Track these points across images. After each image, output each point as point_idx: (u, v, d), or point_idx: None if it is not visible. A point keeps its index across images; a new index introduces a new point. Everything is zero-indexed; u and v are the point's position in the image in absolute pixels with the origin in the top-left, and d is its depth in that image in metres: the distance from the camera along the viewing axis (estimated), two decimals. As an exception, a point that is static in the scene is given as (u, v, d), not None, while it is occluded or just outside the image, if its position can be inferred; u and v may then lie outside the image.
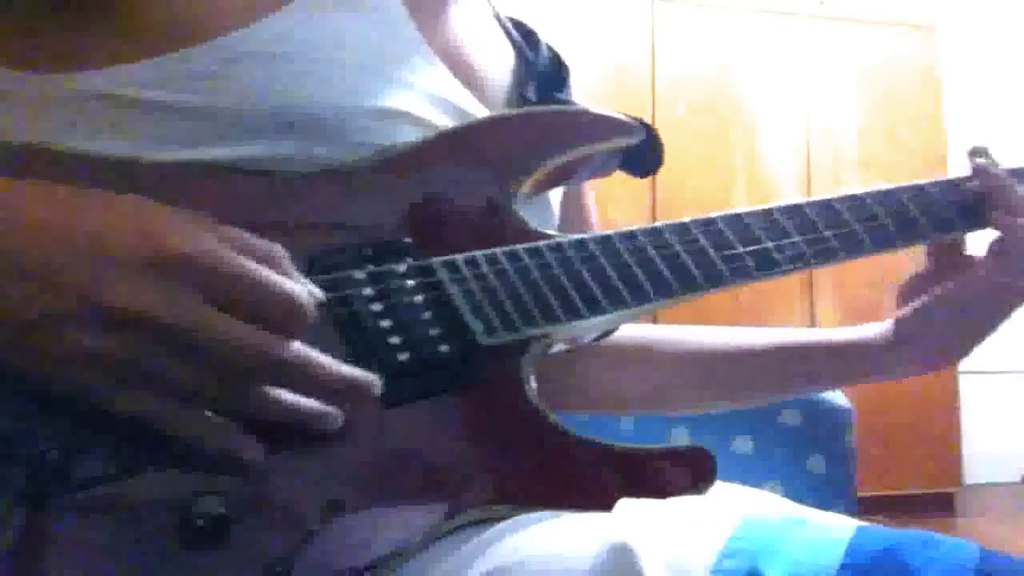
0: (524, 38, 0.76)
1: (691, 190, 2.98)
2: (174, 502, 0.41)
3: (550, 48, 0.77)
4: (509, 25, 0.77)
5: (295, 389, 0.44)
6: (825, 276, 3.01)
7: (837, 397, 1.14)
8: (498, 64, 0.71)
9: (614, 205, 2.51)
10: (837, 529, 0.45)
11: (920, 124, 3.26)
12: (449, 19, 0.67)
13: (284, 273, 0.44)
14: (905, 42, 3.29)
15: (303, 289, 0.44)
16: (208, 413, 0.43)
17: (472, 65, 0.67)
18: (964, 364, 2.97)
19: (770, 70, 3.15)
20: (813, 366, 0.74)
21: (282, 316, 0.42)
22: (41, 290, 0.40)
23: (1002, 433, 3.57)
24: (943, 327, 0.70)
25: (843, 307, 3.06)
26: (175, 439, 0.43)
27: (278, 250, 0.45)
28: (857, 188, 0.69)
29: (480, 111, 0.64)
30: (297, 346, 0.43)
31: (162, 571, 0.41)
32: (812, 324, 3.05)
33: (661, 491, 0.50)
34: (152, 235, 0.41)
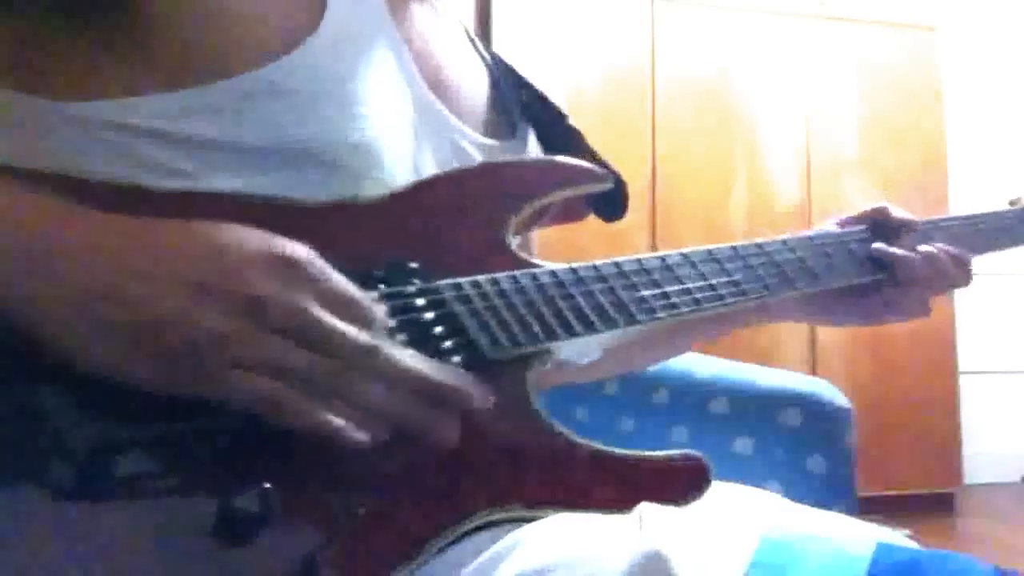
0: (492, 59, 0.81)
1: (691, 191, 2.98)
2: (211, 499, 0.44)
3: (512, 69, 0.82)
4: (479, 44, 0.81)
5: (393, 389, 0.48)
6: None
7: (837, 397, 1.15)
8: (476, 84, 0.75)
9: (614, 205, 2.51)
10: (858, 544, 0.47)
11: (920, 124, 3.26)
12: (433, 43, 0.71)
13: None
14: (905, 42, 3.29)
15: (383, 315, 0.50)
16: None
17: (459, 90, 0.72)
18: (964, 364, 2.97)
19: (770, 70, 3.15)
20: (740, 314, 0.83)
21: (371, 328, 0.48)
22: (175, 285, 0.45)
23: (1002, 433, 3.57)
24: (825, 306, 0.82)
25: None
26: (219, 434, 0.46)
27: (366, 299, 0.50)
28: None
29: (470, 139, 0.69)
30: (393, 349, 0.49)
31: (194, 566, 0.43)
32: (811, 328, 3.05)
33: (659, 497, 0.53)
34: (273, 241, 0.48)
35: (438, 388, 0.49)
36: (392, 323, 0.53)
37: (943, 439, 3.17)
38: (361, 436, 0.46)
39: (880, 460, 2.95)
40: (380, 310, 0.50)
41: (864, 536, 0.48)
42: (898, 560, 0.44)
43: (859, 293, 0.80)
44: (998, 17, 3.77)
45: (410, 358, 0.49)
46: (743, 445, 1.13)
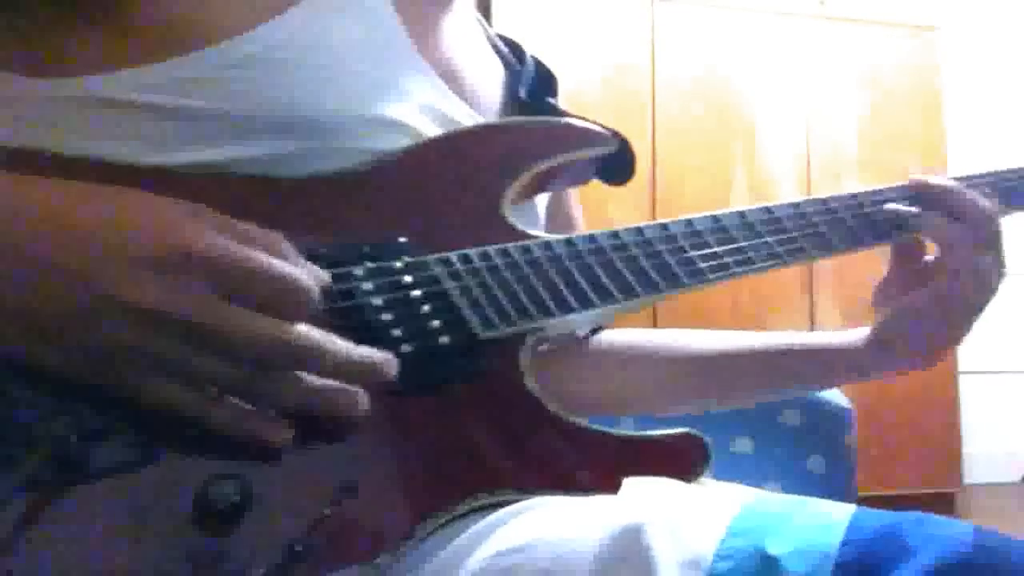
0: (513, 53, 0.79)
1: (691, 190, 2.98)
2: (189, 488, 0.43)
3: (537, 60, 0.79)
4: (499, 44, 0.79)
5: (313, 373, 0.45)
6: (826, 275, 3.01)
7: (837, 397, 1.15)
8: (489, 79, 0.73)
9: (614, 205, 2.51)
10: (837, 510, 0.46)
11: (920, 124, 3.26)
12: (441, 34, 0.69)
13: (285, 259, 0.45)
14: (905, 42, 3.29)
15: (306, 273, 0.45)
16: (234, 401, 0.44)
17: (464, 79, 0.69)
18: (964, 364, 2.96)
19: (770, 70, 3.15)
20: (796, 369, 0.77)
21: (290, 301, 0.44)
22: (69, 287, 0.42)
23: (1002, 433, 3.57)
24: (921, 326, 0.72)
25: (843, 306, 3.06)
26: (194, 426, 0.43)
27: (278, 238, 0.46)
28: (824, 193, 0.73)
29: (473, 122, 0.66)
30: (307, 330, 0.44)
31: (178, 556, 0.42)
32: (812, 323, 3.05)
33: (658, 475, 0.52)
34: (160, 234, 0.43)
35: (358, 371, 0.46)
36: (380, 301, 0.49)
37: (943, 439, 3.17)
38: (281, 438, 0.44)
39: (880, 460, 2.95)
40: (313, 281, 0.45)
41: (846, 506, 0.48)
42: (876, 522, 0.44)
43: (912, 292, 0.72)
44: (999, 17, 3.77)
45: (330, 344, 0.45)
46: (743, 445, 1.13)
